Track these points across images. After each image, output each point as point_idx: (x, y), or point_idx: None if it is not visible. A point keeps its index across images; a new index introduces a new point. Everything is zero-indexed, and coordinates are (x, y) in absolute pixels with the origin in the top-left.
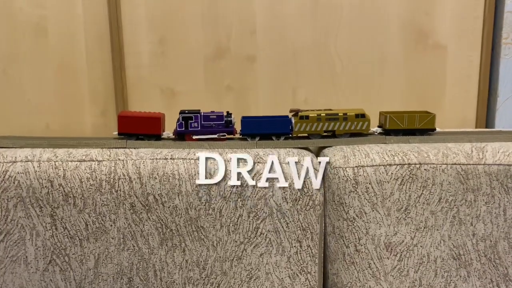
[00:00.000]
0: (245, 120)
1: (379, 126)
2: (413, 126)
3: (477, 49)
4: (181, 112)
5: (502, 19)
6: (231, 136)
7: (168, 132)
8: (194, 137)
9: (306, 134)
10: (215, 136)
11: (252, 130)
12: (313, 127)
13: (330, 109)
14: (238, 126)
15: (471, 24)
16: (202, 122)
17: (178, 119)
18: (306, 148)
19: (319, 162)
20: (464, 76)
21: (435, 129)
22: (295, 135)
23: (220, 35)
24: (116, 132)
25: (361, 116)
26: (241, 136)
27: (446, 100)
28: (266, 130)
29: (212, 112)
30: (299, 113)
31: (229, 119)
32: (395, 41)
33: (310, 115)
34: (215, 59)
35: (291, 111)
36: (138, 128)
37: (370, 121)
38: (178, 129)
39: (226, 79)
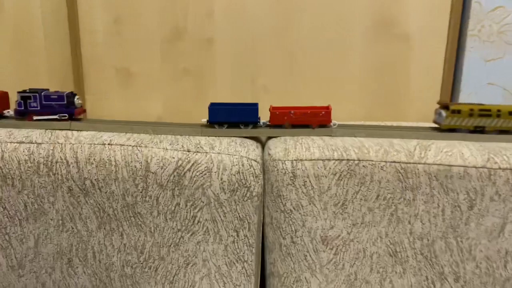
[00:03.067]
0: (213, 107)
1: None
2: None
3: (443, 40)
4: (20, 92)
5: (469, 11)
6: (75, 118)
7: (10, 110)
8: (35, 117)
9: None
10: (56, 117)
11: (220, 117)
12: (464, 121)
13: (482, 104)
14: (206, 113)
15: (438, 15)
16: (43, 102)
17: (17, 98)
18: (256, 138)
19: (261, 154)
20: (429, 67)
21: None
22: (444, 128)
23: (177, 16)
24: None
25: None
26: (208, 124)
27: (410, 91)
28: (234, 118)
29: (55, 92)
30: (450, 106)
31: (71, 99)
32: (358, 30)
33: (463, 109)
34: (172, 40)
35: (439, 103)
36: None
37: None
38: (17, 108)
39: (183, 61)
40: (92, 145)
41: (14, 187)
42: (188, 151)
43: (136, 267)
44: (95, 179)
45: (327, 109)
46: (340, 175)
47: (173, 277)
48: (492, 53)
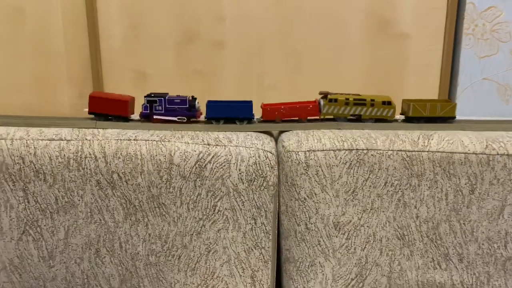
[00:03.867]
0: (210, 104)
1: (401, 114)
2: (434, 114)
3: (440, 39)
4: (146, 96)
5: (464, 10)
6: (195, 119)
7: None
8: (155, 117)
9: (332, 117)
10: (175, 119)
11: (217, 113)
12: (341, 110)
13: (358, 94)
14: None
15: (434, 14)
16: (167, 106)
17: (144, 102)
18: (268, 132)
19: (275, 147)
20: (426, 65)
21: (455, 117)
22: (322, 117)
23: (190, 21)
24: (87, 110)
25: (388, 103)
26: (206, 120)
27: (408, 88)
28: (229, 114)
29: (177, 96)
30: (328, 96)
31: (192, 103)
32: (357, 29)
33: (339, 98)
34: (185, 43)
35: (320, 93)
36: (107, 109)
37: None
38: (143, 111)
39: (195, 63)
40: (119, 140)
41: (46, 182)
42: (208, 144)
43: (160, 255)
44: (122, 172)
45: (314, 103)
46: (350, 164)
47: (195, 264)
48: (486, 50)
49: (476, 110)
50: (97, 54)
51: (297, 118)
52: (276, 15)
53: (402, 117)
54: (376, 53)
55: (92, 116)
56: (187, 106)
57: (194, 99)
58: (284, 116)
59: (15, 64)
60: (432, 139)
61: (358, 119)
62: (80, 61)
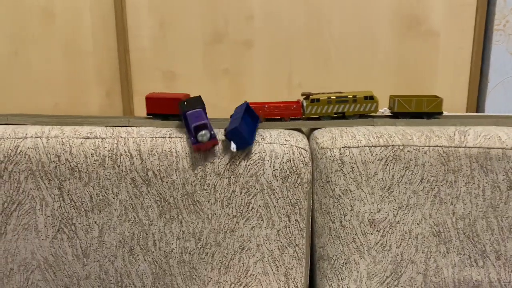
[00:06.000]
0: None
1: (389, 109)
2: (420, 110)
3: (470, 36)
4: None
5: (495, 6)
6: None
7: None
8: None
9: (317, 116)
10: None
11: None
12: (324, 109)
13: (340, 92)
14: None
15: (463, 11)
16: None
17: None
18: (298, 130)
19: (308, 143)
20: (456, 62)
21: (442, 113)
22: (306, 117)
23: (218, 20)
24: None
25: (370, 98)
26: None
27: (437, 85)
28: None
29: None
30: (310, 96)
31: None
32: (387, 27)
33: (321, 98)
34: (213, 43)
35: (302, 94)
36: (164, 109)
37: (378, 103)
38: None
39: (223, 63)
40: (154, 138)
41: (81, 180)
42: None
43: (194, 253)
44: (157, 170)
45: (298, 103)
46: (386, 160)
47: (229, 262)
48: None
49: (507, 106)
50: (125, 54)
51: (280, 118)
52: (305, 13)
53: (388, 111)
54: (405, 51)
55: (150, 116)
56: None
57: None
58: (268, 115)
59: (45, 65)
60: (468, 135)
61: (342, 116)
62: (109, 61)
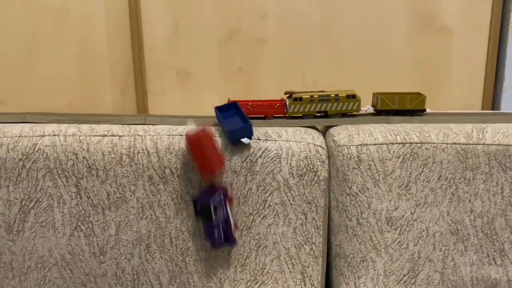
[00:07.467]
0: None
1: (372, 106)
2: (403, 107)
3: (485, 33)
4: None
5: (511, 2)
6: None
7: None
8: None
9: (300, 115)
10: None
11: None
12: (307, 108)
13: (323, 91)
14: None
15: (479, 8)
16: None
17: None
18: (314, 127)
19: (324, 141)
20: (471, 59)
21: (425, 110)
22: (289, 116)
23: (232, 19)
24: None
25: (352, 97)
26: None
27: (452, 82)
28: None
29: None
30: (293, 95)
31: None
32: (401, 24)
33: (304, 96)
34: (227, 41)
35: (285, 93)
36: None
37: (361, 101)
38: None
39: (237, 61)
40: (171, 136)
41: (98, 177)
42: (258, 139)
43: (210, 251)
44: (174, 167)
45: (281, 101)
46: (404, 157)
47: (245, 260)
48: None
49: None
50: (140, 53)
51: (263, 116)
52: (319, 11)
53: (371, 109)
54: (420, 48)
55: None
56: None
57: None
58: (251, 113)
59: (59, 64)
60: (486, 132)
61: (325, 115)
62: (123, 60)
